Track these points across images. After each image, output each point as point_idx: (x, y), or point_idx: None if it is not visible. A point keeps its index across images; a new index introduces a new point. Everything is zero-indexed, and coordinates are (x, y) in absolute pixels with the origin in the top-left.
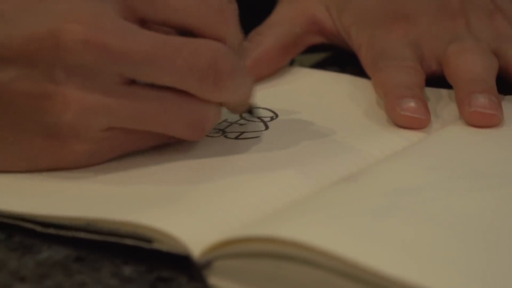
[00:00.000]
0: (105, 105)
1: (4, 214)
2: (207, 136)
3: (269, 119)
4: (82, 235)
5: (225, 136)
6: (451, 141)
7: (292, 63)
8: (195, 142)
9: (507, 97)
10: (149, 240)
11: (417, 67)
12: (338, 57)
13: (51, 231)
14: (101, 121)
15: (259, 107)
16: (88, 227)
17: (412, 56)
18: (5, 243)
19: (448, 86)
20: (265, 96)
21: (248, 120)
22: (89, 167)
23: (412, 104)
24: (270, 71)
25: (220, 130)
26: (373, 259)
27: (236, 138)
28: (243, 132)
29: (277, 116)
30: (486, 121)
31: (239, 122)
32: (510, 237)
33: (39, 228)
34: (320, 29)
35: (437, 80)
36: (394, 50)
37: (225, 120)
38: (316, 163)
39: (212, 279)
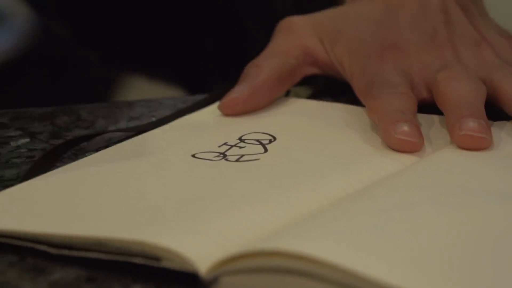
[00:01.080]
0: None
1: (17, 236)
2: (208, 159)
3: (267, 141)
4: (93, 255)
5: (226, 159)
6: (443, 162)
7: (287, 94)
8: (198, 165)
9: (496, 123)
10: (157, 258)
11: (409, 93)
12: (332, 88)
13: (64, 252)
14: None
15: (256, 132)
16: (98, 246)
17: (403, 83)
18: (19, 265)
19: (437, 113)
20: (262, 123)
21: (247, 143)
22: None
23: (405, 128)
24: (267, 101)
25: (221, 153)
26: (374, 269)
27: (237, 160)
28: (243, 155)
29: (275, 139)
30: (476, 144)
31: (238, 145)
32: (499, 248)
33: (52, 250)
34: (314, 60)
35: (427, 107)
36: (386, 77)
37: (225, 143)
38: (315, 184)
39: None
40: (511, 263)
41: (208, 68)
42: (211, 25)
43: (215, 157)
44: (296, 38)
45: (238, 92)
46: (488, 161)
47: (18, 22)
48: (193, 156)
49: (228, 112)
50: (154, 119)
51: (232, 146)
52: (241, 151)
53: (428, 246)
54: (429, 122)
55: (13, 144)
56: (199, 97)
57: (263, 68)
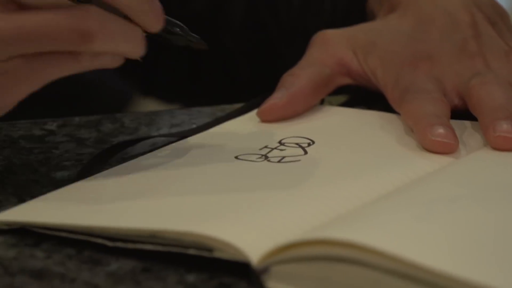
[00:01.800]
0: None
1: (75, 230)
2: (251, 161)
3: (306, 145)
4: (147, 247)
5: (268, 161)
6: (479, 161)
7: (322, 103)
8: (242, 165)
9: None
10: (209, 249)
11: (443, 99)
12: (364, 97)
13: (119, 244)
14: None
15: (295, 136)
16: (151, 239)
17: (437, 90)
18: (77, 257)
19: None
20: (300, 128)
21: (287, 146)
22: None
23: (441, 130)
24: (304, 108)
25: (263, 155)
26: (421, 256)
27: (279, 162)
28: (284, 157)
29: (313, 142)
30: (510, 145)
31: (278, 148)
32: None
33: (108, 243)
34: (347, 70)
35: (459, 114)
36: (419, 84)
37: (266, 146)
38: (357, 181)
39: (270, 283)
40: None
41: (241, 92)
42: (246, 49)
43: (257, 158)
44: (331, 49)
45: (276, 99)
46: None
47: None
48: (236, 157)
49: (267, 118)
50: (195, 126)
51: (273, 149)
52: (282, 153)
53: (470, 234)
54: (462, 127)
55: (62, 148)
56: (236, 105)
57: (300, 77)
